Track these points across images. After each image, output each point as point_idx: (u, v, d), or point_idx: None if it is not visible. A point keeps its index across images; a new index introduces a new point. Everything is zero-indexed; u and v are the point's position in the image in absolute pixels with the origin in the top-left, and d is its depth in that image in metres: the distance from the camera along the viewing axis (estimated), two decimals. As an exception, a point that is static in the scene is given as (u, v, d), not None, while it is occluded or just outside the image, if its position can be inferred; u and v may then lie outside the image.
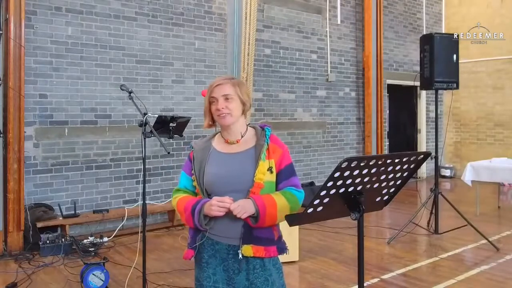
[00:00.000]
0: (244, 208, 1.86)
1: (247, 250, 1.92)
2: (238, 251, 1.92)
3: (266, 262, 1.97)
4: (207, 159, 1.99)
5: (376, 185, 1.87)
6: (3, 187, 5.01)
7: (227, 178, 1.94)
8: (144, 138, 3.40)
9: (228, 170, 1.96)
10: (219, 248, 1.97)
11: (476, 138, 10.51)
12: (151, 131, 3.37)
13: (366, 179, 1.78)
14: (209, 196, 1.97)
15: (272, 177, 1.97)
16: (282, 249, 2.03)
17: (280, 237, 2.05)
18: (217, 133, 2.12)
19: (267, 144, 1.99)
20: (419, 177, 10.31)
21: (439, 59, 5.35)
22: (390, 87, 9.82)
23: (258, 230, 1.93)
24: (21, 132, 5.05)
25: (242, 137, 2.03)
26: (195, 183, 2.02)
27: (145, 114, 3.36)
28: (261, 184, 1.93)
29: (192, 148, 2.08)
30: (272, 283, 1.98)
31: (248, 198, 1.91)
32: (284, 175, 2.00)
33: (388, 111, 9.86)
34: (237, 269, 1.95)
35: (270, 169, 1.96)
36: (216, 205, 1.87)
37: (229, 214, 1.89)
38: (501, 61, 9.90)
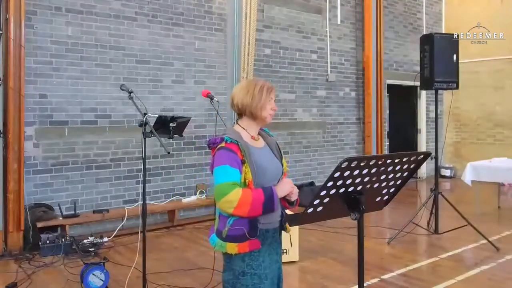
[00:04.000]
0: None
1: (288, 227, 2.28)
2: (285, 230, 2.28)
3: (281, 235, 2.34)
4: (251, 153, 2.15)
5: (376, 185, 1.87)
6: (3, 187, 5.01)
7: (272, 169, 2.22)
8: (144, 138, 3.40)
9: (270, 162, 2.23)
10: (268, 235, 2.19)
11: (476, 138, 10.50)
12: (151, 131, 3.37)
13: (366, 179, 1.79)
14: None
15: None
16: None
17: None
18: (235, 128, 2.28)
19: (277, 141, 2.40)
20: (419, 177, 10.31)
21: (439, 59, 5.35)
22: (390, 87, 9.81)
23: (285, 211, 2.29)
24: (21, 132, 5.05)
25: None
26: (248, 176, 2.09)
27: (145, 114, 3.36)
28: (286, 174, 2.32)
29: (233, 141, 2.13)
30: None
31: None
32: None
33: (388, 111, 9.86)
34: (276, 247, 2.25)
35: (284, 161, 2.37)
36: (291, 183, 2.17)
37: None
38: (501, 61, 9.89)
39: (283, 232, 2.31)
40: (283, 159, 2.33)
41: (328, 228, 5.75)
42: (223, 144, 2.12)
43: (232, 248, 2.09)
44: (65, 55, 5.61)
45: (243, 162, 2.11)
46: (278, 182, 2.21)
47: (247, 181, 2.09)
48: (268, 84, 2.29)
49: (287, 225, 2.27)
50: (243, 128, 2.25)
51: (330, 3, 8.58)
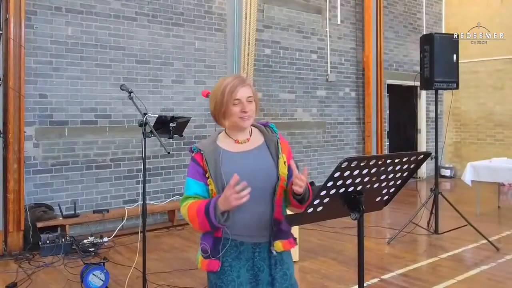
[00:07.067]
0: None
1: (278, 245, 1.96)
2: (271, 248, 1.95)
3: (284, 256, 2.02)
4: (221, 161, 1.90)
5: (376, 185, 1.87)
6: (3, 187, 5.01)
7: (251, 176, 1.84)
8: (144, 138, 3.40)
9: (249, 168, 1.89)
10: (244, 249, 1.93)
11: (476, 138, 10.50)
12: (151, 131, 3.37)
13: (366, 179, 1.78)
14: None
15: (286, 171, 1.98)
16: (295, 239, 2.08)
17: (291, 228, 2.07)
18: (218, 134, 2.04)
19: (278, 140, 2.02)
20: (419, 177, 10.31)
21: (439, 59, 5.35)
22: (390, 87, 9.81)
23: (282, 224, 1.96)
24: (21, 132, 5.05)
25: (250, 135, 2.02)
26: (212, 187, 1.89)
27: (145, 114, 3.37)
28: (284, 178, 1.95)
29: (199, 150, 1.94)
30: (290, 276, 2.03)
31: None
32: (292, 168, 2.04)
33: (388, 111, 9.86)
34: (262, 266, 1.95)
35: (284, 163, 1.98)
36: (232, 192, 1.73)
37: (255, 213, 1.88)
38: (501, 61, 9.89)
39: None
40: (281, 160, 1.96)
41: (328, 228, 5.75)
42: (192, 154, 1.97)
43: (199, 261, 1.97)
44: (65, 55, 5.61)
45: (205, 173, 1.91)
46: (274, 188, 1.92)
47: (212, 193, 1.90)
48: (233, 83, 1.91)
49: (276, 243, 1.95)
50: (226, 133, 2.01)
51: (330, 3, 8.58)
